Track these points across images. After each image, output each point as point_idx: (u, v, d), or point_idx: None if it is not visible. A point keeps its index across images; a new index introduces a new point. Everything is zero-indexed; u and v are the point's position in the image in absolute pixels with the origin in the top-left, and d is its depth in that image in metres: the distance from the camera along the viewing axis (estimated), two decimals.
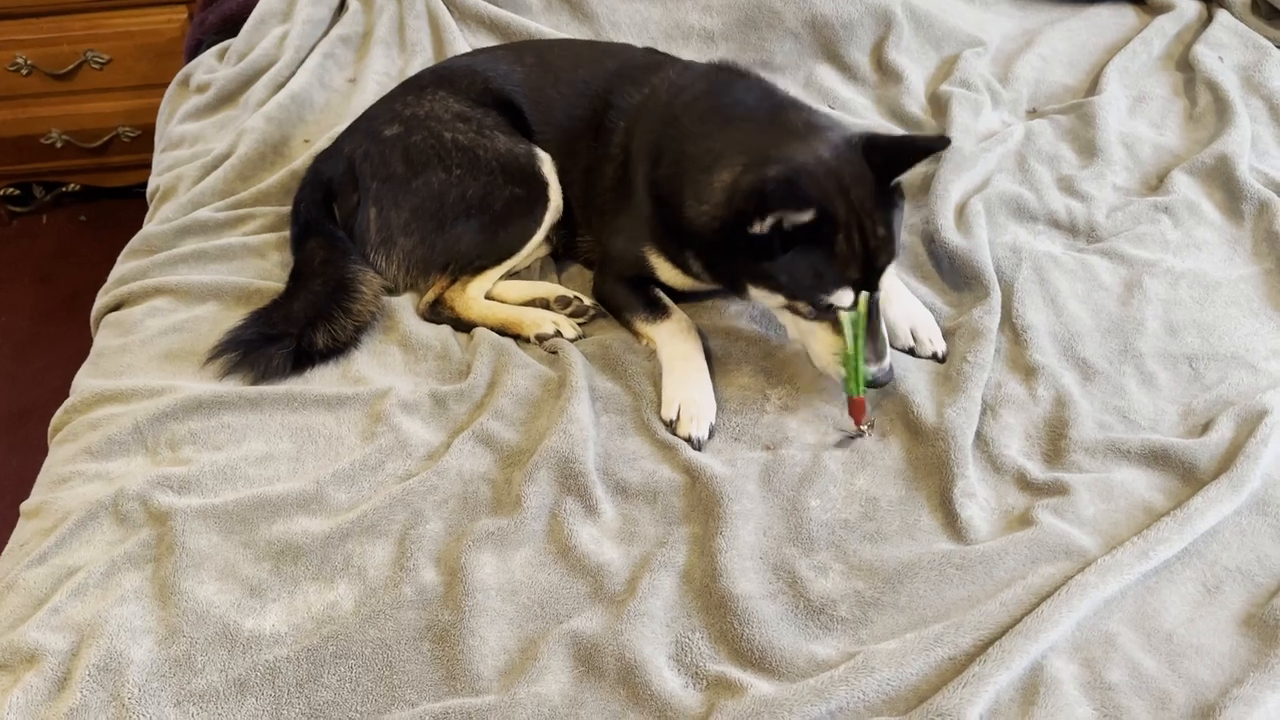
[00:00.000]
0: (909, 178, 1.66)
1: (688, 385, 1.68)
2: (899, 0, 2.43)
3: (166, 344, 1.83)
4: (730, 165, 1.65)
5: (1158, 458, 1.56)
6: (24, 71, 3.10)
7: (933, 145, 1.69)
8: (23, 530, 1.58)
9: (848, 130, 1.68)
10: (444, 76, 2.05)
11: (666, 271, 1.84)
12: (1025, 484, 1.54)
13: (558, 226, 1.98)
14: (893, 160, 1.58)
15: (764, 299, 1.67)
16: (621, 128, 1.90)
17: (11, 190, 3.51)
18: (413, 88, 2.04)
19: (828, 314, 1.62)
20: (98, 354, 1.86)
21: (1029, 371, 1.70)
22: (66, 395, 1.81)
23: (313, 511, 1.54)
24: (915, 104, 2.30)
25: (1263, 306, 1.81)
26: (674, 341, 1.75)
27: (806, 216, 1.53)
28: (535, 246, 1.96)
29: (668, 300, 1.83)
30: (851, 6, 2.40)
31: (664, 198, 1.76)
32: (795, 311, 1.65)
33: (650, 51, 2.10)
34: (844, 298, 1.59)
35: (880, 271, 1.61)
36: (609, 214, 1.91)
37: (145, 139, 3.18)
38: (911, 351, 1.76)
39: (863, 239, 1.57)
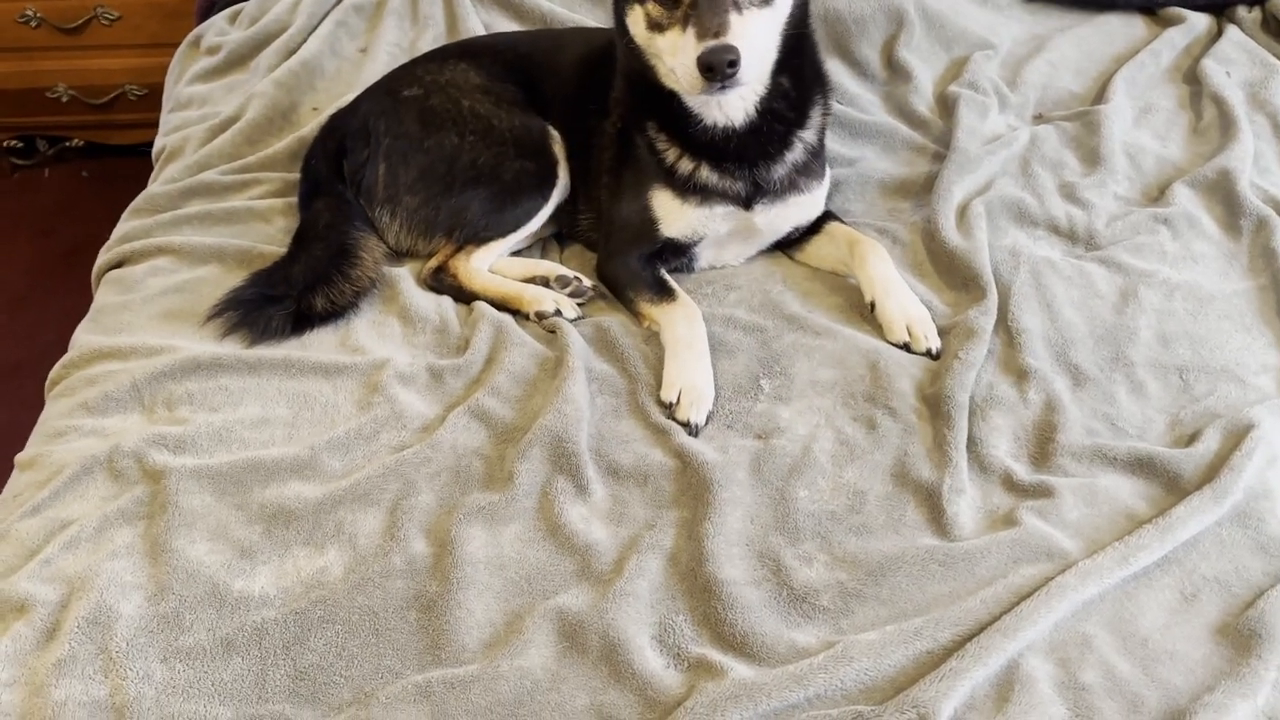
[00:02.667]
0: None
1: (690, 370, 1.69)
2: (912, 0, 2.44)
3: (167, 303, 1.84)
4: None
5: (1143, 466, 1.57)
6: (33, 24, 3.10)
7: None
8: (17, 481, 1.60)
9: None
10: (468, 50, 2.09)
11: (671, 209, 1.85)
12: (1011, 485, 1.56)
13: (560, 206, 1.99)
14: None
15: (637, 24, 1.72)
16: (617, 83, 1.92)
17: (15, 143, 3.51)
18: (436, 57, 2.08)
19: (672, 5, 1.65)
20: (98, 310, 1.87)
21: (1021, 374, 1.72)
22: (60, 350, 1.82)
23: (306, 477, 1.55)
24: (923, 103, 2.31)
25: (1255, 322, 1.83)
26: (679, 325, 1.76)
27: None
28: (541, 223, 1.98)
29: (674, 284, 1.85)
30: (865, 3, 2.41)
31: (625, 73, 1.86)
32: (652, 26, 1.69)
33: None
34: None
35: None
36: (609, 176, 1.93)
37: (151, 97, 3.18)
38: (906, 347, 1.77)
39: None
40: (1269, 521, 1.49)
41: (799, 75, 1.82)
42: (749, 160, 1.82)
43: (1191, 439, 1.62)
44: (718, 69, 1.57)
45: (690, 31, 1.61)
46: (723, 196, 1.84)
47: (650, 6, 1.68)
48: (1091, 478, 1.56)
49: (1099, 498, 1.53)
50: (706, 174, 1.82)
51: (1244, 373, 1.73)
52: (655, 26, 1.69)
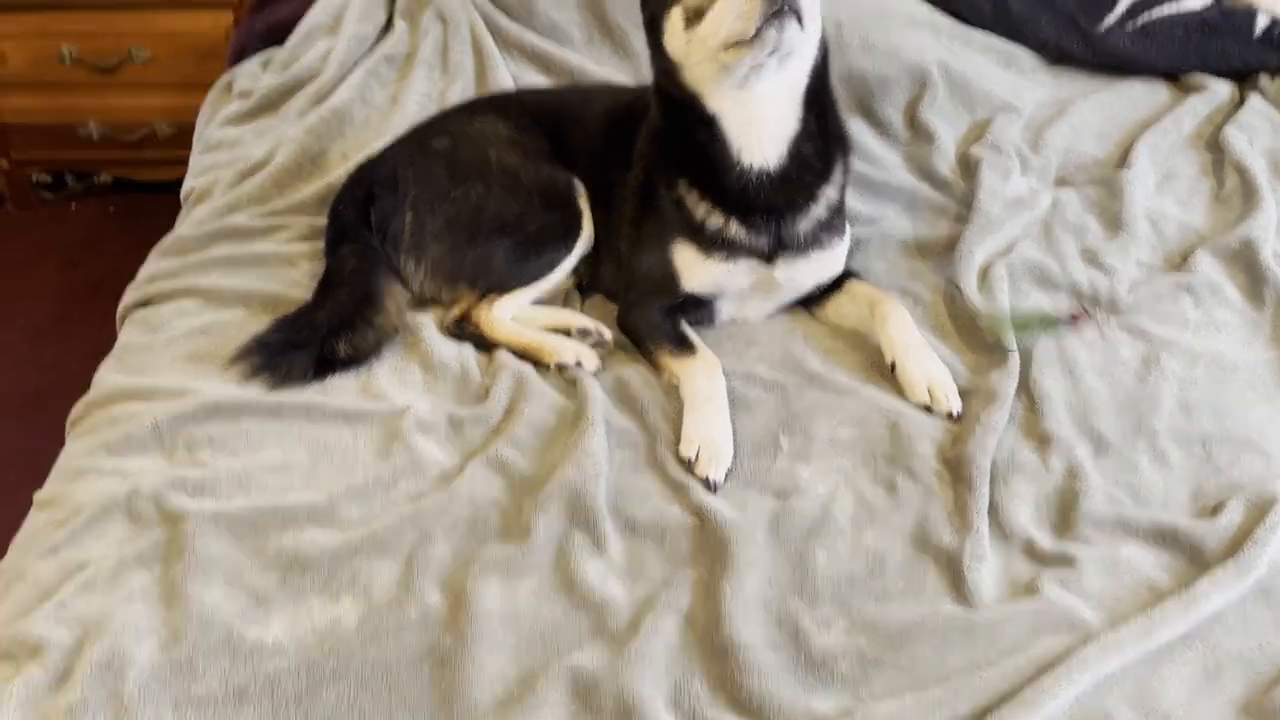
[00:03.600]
0: None
1: (709, 426, 1.69)
2: (936, 62, 2.46)
3: (192, 345, 1.85)
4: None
5: (1166, 537, 1.56)
6: (68, 62, 3.15)
7: None
8: (34, 521, 1.60)
9: None
10: (497, 103, 2.13)
11: (694, 263, 1.86)
12: (1033, 553, 1.55)
13: (585, 259, 2.01)
14: None
15: (675, 33, 1.72)
16: (640, 136, 1.94)
17: (44, 176, 3.56)
18: (466, 109, 2.11)
19: None
20: (122, 349, 1.88)
21: (1043, 440, 1.71)
22: (80, 382, 1.83)
23: (324, 524, 1.55)
24: (945, 164, 2.33)
25: (1278, 393, 1.82)
26: (699, 380, 1.76)
27: None
28: (565, 274, 1.99)
29: (695, 337, 1.85)
30: (889, 65, 2.43)
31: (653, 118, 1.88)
32: (691, 19, 1.68)
33: None
34: None
35: None
36: (631, 228, 1.94)
37: (180, 136, 3.22)
38: (928, 408, 1.77)
39: None
40: None
41: (824, 121, 1.85)
42: (776, 212, 1.83)
43: (1215, 511, 1.60)
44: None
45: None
46: (746, 251, 1.85)
47: None
48: (1114, 548, 1.55)
49: (1121, 568, 1.52)
50: (734, 228, 1.83)
51: (1267, 444, 1.72)
52: (695, 16, 1.68)
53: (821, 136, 1.84)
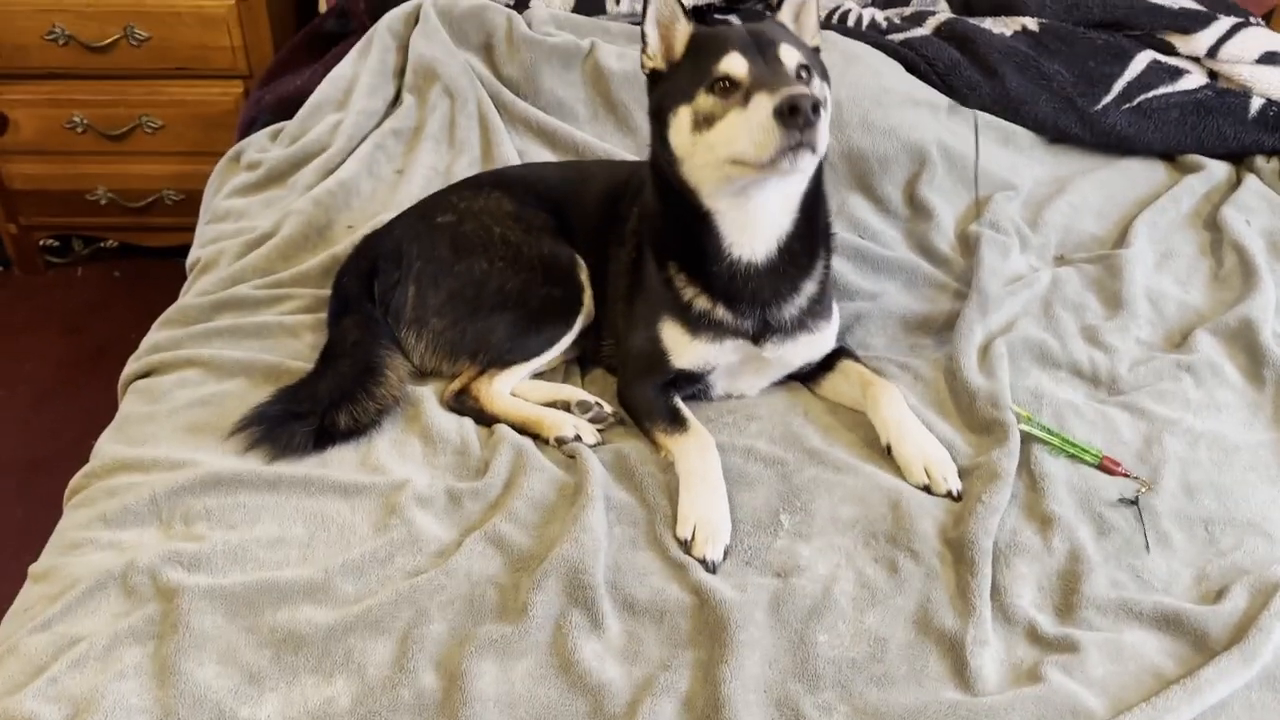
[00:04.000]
0: None
1: (704, 505, 1.68)
2: (934, 140, 2.49)
3: (192, 416, 1.85)
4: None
5: (1170, 622, 1.54)
6: (79, 130, 3.20)
7: None
8: (29, 594, 1.58)
9: None
10: (501, 180, 2.14)
11: (682, 342, 1.85)
12: (1036, 637, 1.53)
13: (584, 332, 2.02)
14: None
15: (681, 131, 1.71)
16: (634, 214, 1.96)
17: (51, 241, 3.59)
18: (471, 185, 2.13)
19: (727, 94, 1.64)
20: (123, 420, 1.88)
21: (1045, 521, 1.70)
22: (80, 449, 1.83)
23: (319, 601, 1.53)
24: (944, 241, 2.35)
25: None
26: (693, 457, 1.76)
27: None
28: (565, 348, 1.99)
29: (689, 413, 1.85)
30: (888, 143, 2.47)
31: (648, 200, 1.89)
32: (700, 124, 1.67)
33: None
34: (733, 63, 1.64)
35: (769, 44, 1.67)
36: (624, 305, 1.95)
37: (187, 203, 3.27)
38: (927, 489, 1.76)
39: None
40: None
41: (814, 219, 1.85)
42: (762, 301, 1.84)
43: (1219, 595, 1.59)
44: (802, 110, 1.52)
45: (759, 96, 1.58)
46: (733, 332, 1.85)
47: (702, 100, 1.66)
48: (1117, 633, 1.53)
49: (1125, 654, 1.50)
50: (720, 311, 1.84)
51: (1271, 527, 1.71)
52: (706, 122, 1.66)
53: (810, 234, 1.85)
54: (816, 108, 1.54)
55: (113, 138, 3.22)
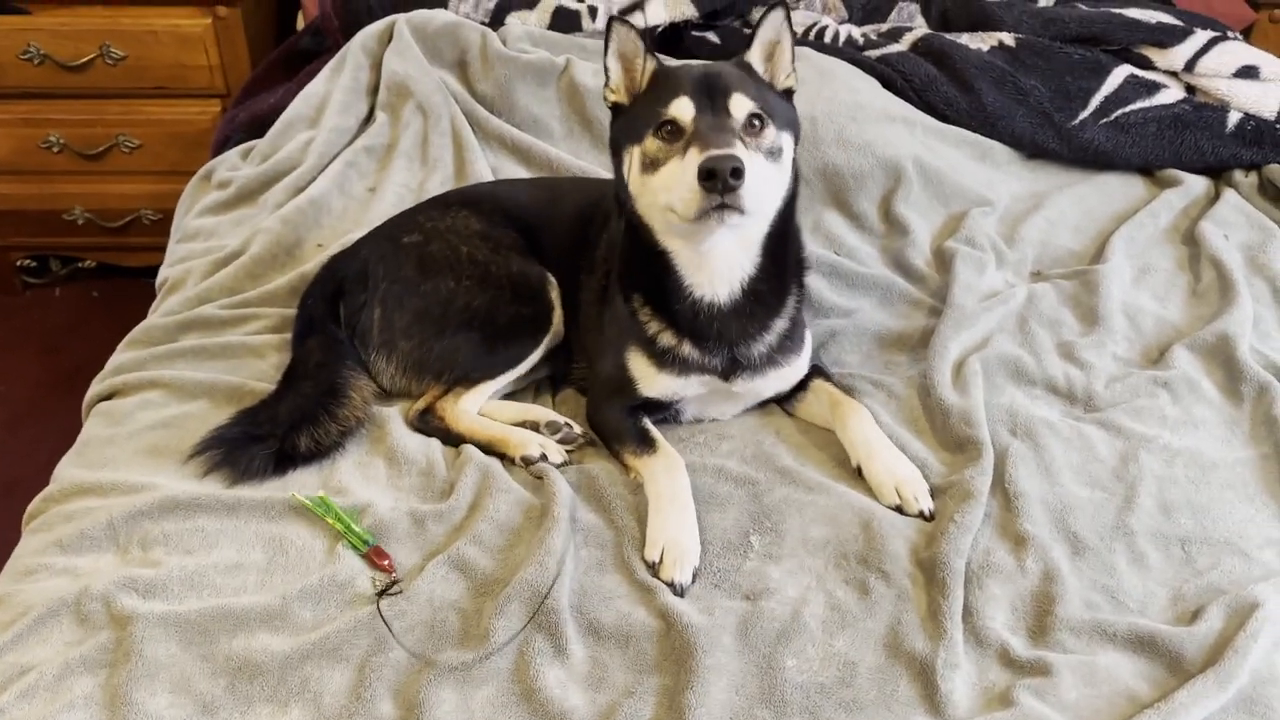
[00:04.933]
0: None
1: (674, 526, 1.65)
2: (910, 156, 2.48)
3: (153, 439, 1.82)
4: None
5: (1144, 644, 1.51)
6: (55, 149, 3.18)
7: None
8: None
9: None
10: (470, 198, 2.12)
11: (648, 374, 1.83)
12: (1008, 661, 1.50)
13: (555, 352, 1.99)
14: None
15: (632, 170, 1.71)
16: (603, 241, 1.94)
17: (29, 261, 3.56)
18: (438, 204, 2.10)
19: (672, 140, 1.64)
20: (84, 443, 1.85)
21: (1018, 541, 1.67)
22: (50, 472, 1.79)
23: (275, 628, 1.50)
24: (920, 257, 2.33)
25: (1258, 492, 1.78)
26: (661, 479, 1.73)
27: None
28: (531, 366, 1.97)
29: (657, 434, 1.82)
30: (863, 159, 2.45)
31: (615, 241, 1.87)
32: (647, 166, 1.67)
33: None
34: (681, 108, 1.64)
35: (725, 91, 1.65)
36: (593, 330, 1.93)
37: (165, 223, 3.22)
38: (899, 509, 1.73)
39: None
40: (1277, 709, 1.42)
41: (782, 259, 1.82)
42: (729, 340, 1.81)
43: (1194, 616, 1.56)
44: (720, 175, 1.53)
45: (691, 151, 1.59)
46: (699, 369, 1.82)
47: (649, 143, 1.67)
48: (1091, 655, 1.50)
49: (1098, 677, 1.47)
50: (686, 349, 1.81)
51: (1248, 546, 1.68)
52: (651, 165, 1.67)
53: (778, 274, 1.81)
54: (738, 173, 1.54)
55: (89, 157, 3.20)
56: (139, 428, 1.84)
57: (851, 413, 1.84)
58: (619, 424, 1.83)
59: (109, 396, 1.95)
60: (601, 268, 1.92)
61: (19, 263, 3.54)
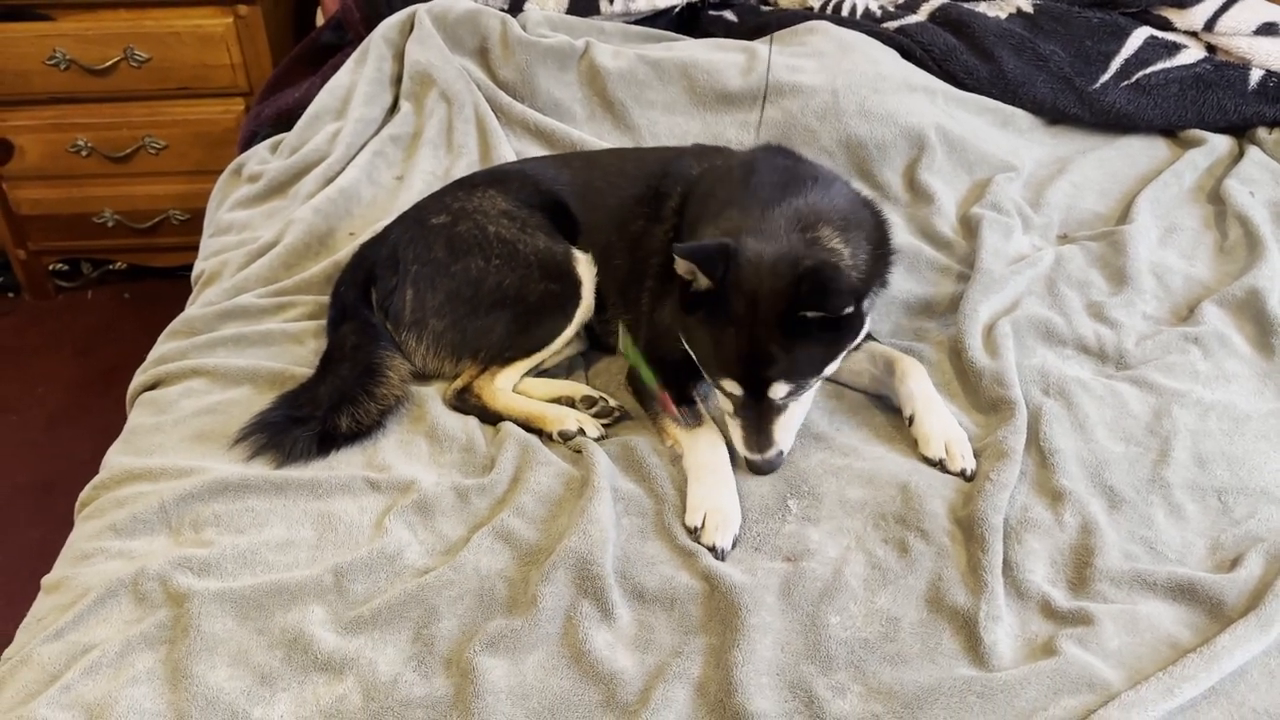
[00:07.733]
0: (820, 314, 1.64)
1: (715, 494, 1.68)
2: (933, 125, 2.48)
3: (198, 425, 1.86)
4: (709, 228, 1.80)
5: (1184, 592, 1.53)
6: (83, 153, 3.23)
7: (825, 308, 1.63)
8: (42, 604, 1.59)
9: (824, 245, 1.75)
10: (496, 178, 2.13)
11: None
12: (1049, 612, 1.52)
13: (588, 328, 2.01)
14: (802, 297, 1.60)
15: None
16: (677, 193, 1.97)
17: (60, 265, 3.62)
18: (465, 185, 2.12)
19: (730, 402, 1.72)
20: (131, 432, 1.89)
21: (1055, 496, 1.68)
22: (93, 469, 1.83)
23: (328, 602, 1.54)
24: (946, 224, 2.34)
25: None
26: (703, 451, 1.75)
27: (706, 283, 1.65)
28: (565, 343, 1.99)
29: (702, 407, 1.84)
30: (886, 129, 2.46)
31: None
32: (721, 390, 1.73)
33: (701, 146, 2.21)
34: (731, 386, 1.68)
35: (766, 381, 1.66)
36: (653, 281, 1.93)
37: (194, 222, 3.28)
38: (940, 464, 1.75)
39: (750, 342, 1.63)
40: None
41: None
42: None
43: (1234, 564, 1.57)
44: (765, 470, 1.72)
45: (738, 425, 1.72)
46: None
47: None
48: (1132, 604, 1.52)
49: (1140, 625, 1.49)
50: None
51: None
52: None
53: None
54: (780, 456, 1.72)
55: (117, 160, 3.25)
56: (184, 415, 1.88)
57: (912, 367, 1.87)
58: (667, 386, 1.83)
59: (153, 386, 1.99)
60: (672, 220, 1.94)
61: (51, 267, 3.59)
